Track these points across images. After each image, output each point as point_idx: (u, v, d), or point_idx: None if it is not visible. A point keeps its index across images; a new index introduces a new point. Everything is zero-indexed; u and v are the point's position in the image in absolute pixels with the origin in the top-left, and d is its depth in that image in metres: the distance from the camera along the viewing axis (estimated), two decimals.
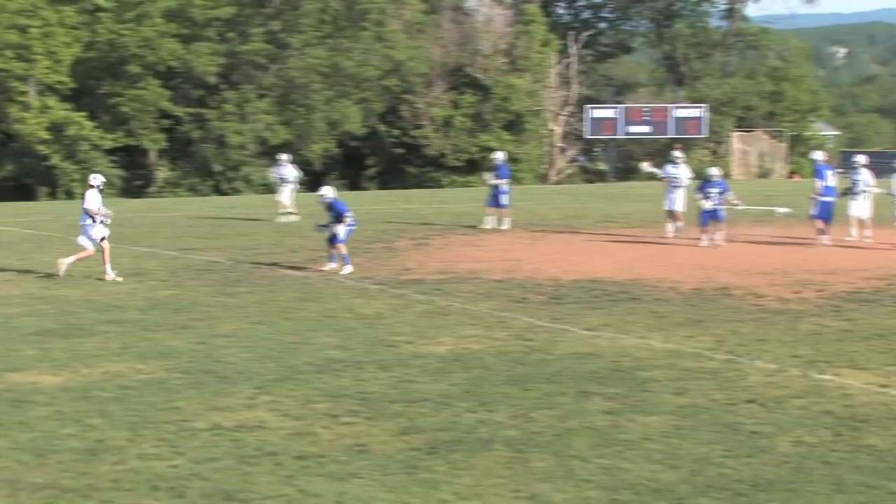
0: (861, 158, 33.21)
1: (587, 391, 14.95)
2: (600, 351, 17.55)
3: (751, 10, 72.84)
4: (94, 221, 25.30)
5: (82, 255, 25.43)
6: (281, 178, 40.58)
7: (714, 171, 31.93)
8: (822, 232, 30.72)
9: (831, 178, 31.41)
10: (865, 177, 32.42)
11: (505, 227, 35.77)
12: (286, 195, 39.93)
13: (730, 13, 76.52)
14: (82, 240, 25.49)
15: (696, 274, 25.67)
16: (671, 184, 33.53)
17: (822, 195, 30.89)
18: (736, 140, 70.16)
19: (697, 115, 68.37)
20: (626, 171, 74.22)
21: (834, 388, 15.19)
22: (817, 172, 31.83)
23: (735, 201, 31.32)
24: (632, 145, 75.76)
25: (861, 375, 15.94)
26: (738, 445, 12.67)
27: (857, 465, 12.02)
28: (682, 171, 33.55)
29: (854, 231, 31.83)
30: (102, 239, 25.25)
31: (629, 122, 69.79)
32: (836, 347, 17.80)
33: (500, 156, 37.54)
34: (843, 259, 27.92)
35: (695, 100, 72.66)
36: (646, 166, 37.64)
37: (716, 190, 30.74)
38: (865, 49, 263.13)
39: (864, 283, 24.15)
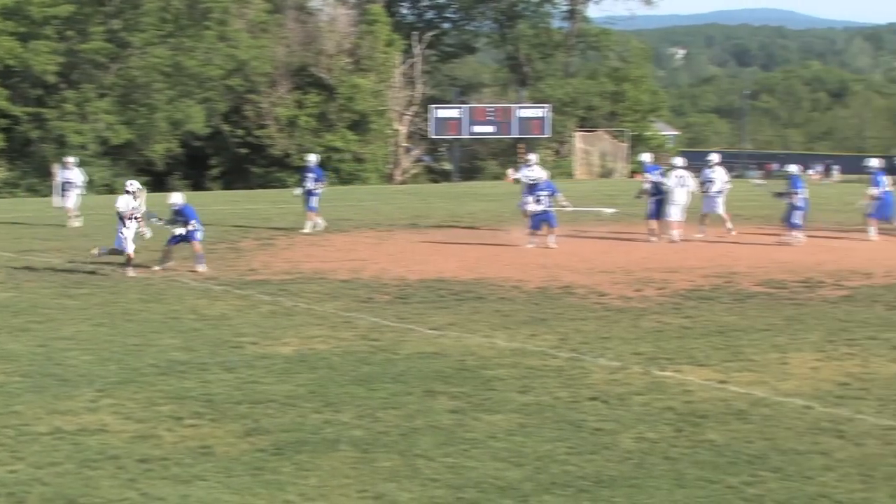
0: (715, 157, 34.01)
1: (433, 390, 15.01)
2: (446, 350, 17.63)
3: (592, 12, 74.60)
4: (125, 224, 26.00)
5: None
6: (67, 182, 38.13)
7: (542, 174, 32.29)
8: (653, 232, 31.54)
9: (655, 177, 32.28)
10: (720, 174, 33.13)
11: (309, 230, 34.94)
12: (71, 200, 37.72)
13: (571, 14, 77.54)
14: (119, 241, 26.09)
15: (540, 273, 25.94)
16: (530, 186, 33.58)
17: (652, 195, 31.79)
18: (578, 140, 71.11)
19: (540, 115, 69.07)
20: (471, 171, 74.68)
21: (675, 385, 15.50)
22: (647, 170, 33.02)
23: (564, 203, 31.61)
24: (476, 145, 76.27)
25: (701, 372, 16.29)
26: (582, 442, 12.85)
27: (697, 460, 12.28)
28: (538, 173, 33.77)
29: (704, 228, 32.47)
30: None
31: (473, 122, 70.19)
32: (676, 344, 18.16)
33: (313, 158, 37.03)
34: (683, 257, 28.49)
35: (538, 100, 73.40)
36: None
37: (545, 192, 30.97)
38: (703, 50, 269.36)
39: (703, 280, 24.68)
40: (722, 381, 15.70)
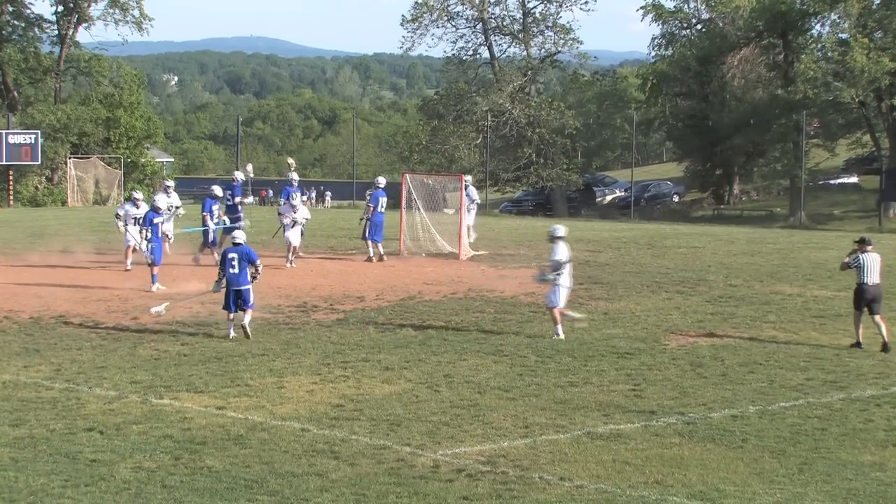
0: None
1: None
2: None
3: (83, 37, 72.71)
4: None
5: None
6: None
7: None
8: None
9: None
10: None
11: None
12: None
13: (61, 39, 75.45)
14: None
15: (34, 302, 25.09)
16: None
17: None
18: (71, 166, 69.31)
19: (30, 141, 66.73)
20: None
21: (173, 413, 15.45)
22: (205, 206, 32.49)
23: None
24: None
25: (199, 398, 16.33)
26: (78, 474, 12.56)
27: (196, 487, 12.30)
28: (174, 200, 32.30)
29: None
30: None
31: None
32: (174, 372, 18.11)
33: None
34: (173, 278, 28.31)
35: (28, 126, 70.88)
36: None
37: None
38: (197, 77, 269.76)
39: (200, 307, 24.64)
40: (220, 408, 15.81)
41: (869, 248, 21.44)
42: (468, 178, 37.33)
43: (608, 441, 14.42)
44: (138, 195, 32.15)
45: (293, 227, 31.48)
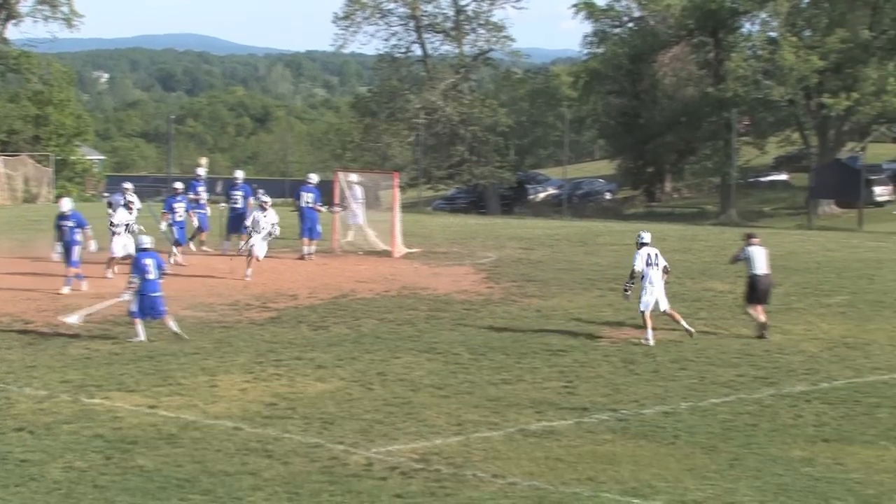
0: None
1: None
2: None
3: (11, 33, 71.51)
4: None
5: None
6: None
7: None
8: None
9: None
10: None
11: None
12: None
13: None
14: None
15: None
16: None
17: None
18: (0, 165, 68.51)
19: None
20: None
21: (104, 412, 15.33)
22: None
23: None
24: None
25: (131, 398, 16.21)
26: (7, 475, 12.44)
27: (127, 486, 12.22)
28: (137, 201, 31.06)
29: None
30: None
31: None
32: (106, 371, 17.96)
33: None
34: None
35: None
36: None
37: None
38: (128, 74, 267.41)
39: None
40: (152, 406, 15.70)
41: (755, 240, 22.47)
42: (351, 176, 36.35)
43: (541, 438, 14.49)
44: (131, 197, 30.36)
45: (263, 237, 29.99)
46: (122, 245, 27.95)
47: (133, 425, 14.69)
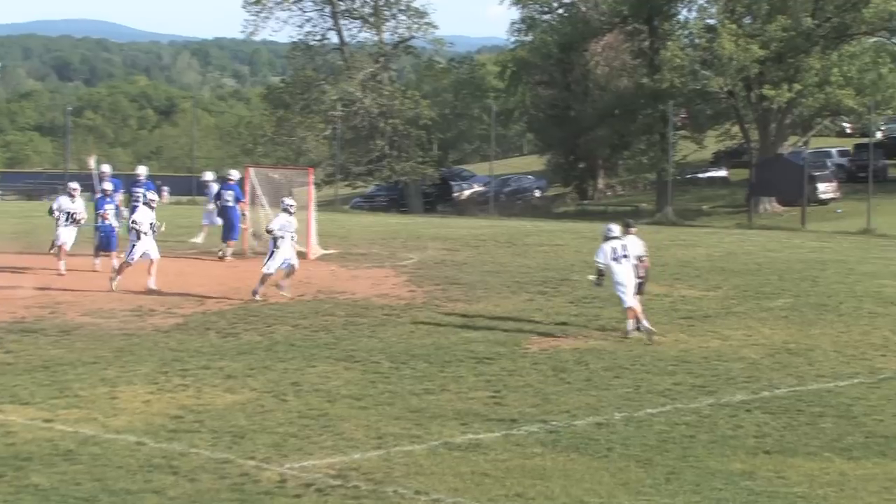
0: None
1: None
2: None
3: None
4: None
5: None
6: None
7: None
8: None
9: None
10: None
11: None
12: None
13: None
14: None
15: None
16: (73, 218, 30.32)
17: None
18: None
19: None
20: None
21: None
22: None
23: None
24: None
25: (24, 411, 16.04)
26: None
27: None
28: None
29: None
30: None
31: None
32: None
33: None
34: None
35: None
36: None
37: None
38: (21, 63, 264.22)
39: (25, 311, 24.21)
40: (48, 420, 15.55)
41: (633, 230, 23.55)
42: (212, 174, 36.62)
43: (466, 451, 14.52)
44: (75, 186, 30.77)
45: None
46: (143, 248, 27.56)
47: (27, 440, 14.54)
